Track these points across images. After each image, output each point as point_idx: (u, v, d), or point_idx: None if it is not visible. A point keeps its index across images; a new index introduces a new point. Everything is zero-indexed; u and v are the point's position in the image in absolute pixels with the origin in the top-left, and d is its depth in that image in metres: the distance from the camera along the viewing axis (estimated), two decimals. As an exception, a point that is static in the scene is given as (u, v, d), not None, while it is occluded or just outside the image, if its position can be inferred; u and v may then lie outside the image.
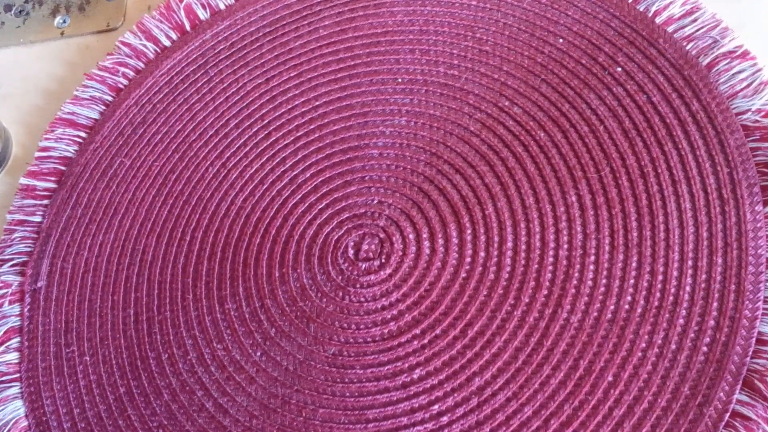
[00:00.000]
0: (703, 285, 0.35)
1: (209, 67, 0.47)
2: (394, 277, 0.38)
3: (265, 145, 0.43)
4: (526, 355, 0.35)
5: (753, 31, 0.41)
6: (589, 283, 0.36)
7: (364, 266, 0.39)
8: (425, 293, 0.38)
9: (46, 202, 0.45)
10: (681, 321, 0.34)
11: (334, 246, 0.40)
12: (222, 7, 0.49)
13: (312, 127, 0.43)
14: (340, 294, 0.38)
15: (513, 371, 0.35)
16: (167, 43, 0.49)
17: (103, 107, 0.47)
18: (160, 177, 0.44)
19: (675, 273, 0.35)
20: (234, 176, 0.43)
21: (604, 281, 0.36)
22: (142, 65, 0.48)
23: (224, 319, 0.39)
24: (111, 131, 0.46)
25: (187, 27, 0.49)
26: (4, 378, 0.40)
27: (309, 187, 0.42)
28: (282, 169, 0.43)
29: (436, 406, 0.35)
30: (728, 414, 0.32)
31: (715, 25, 0.40)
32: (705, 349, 0.33)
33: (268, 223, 0.41)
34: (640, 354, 0.34)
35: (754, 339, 0.33)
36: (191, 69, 0.47)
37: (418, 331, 0.37)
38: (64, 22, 0.53)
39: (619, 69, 0.41)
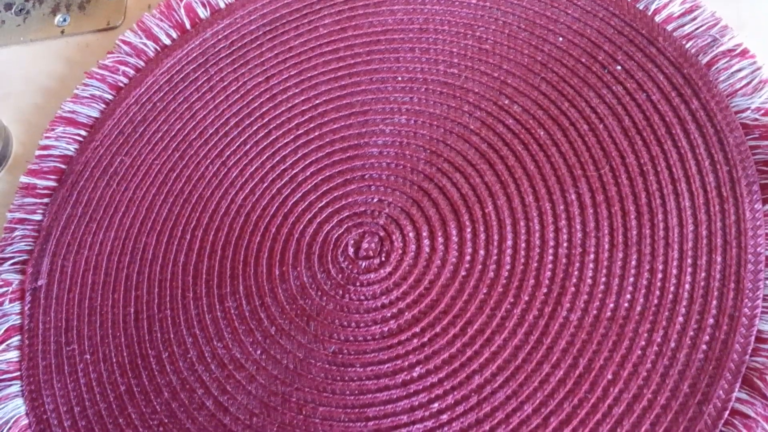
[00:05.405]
0: (702, 283, 0.35)
1: (209, 65, 0.47)
2: (394, 276, 0.38)
3: (265, 143, 0.44)
4: (526, 353, 0.35)
5: (752, 29, 0.41)
6: (589, 281, 0.36)
7: (364, 264, 0.39)
8: (425, 291, 0.38)
9: (46, 200, 0.45)
10: (680, 319, 0.34)
11: (334, 244, 0.40)
12: (222, 5, 0.49)
13: (312, 125, 0.44)
14: (340, 292, 0.38)
15: (513, 369, 0.35)
16: (167, 41, 0.49)
17: (104, 106, 0.47)
18: (161, 175, 0.44)
19: (674, 271, 0.35)
20: (234, 174, 0.43)
21: (603, 279, 0.36)
22: (142, 64, 0.48)
23: (224, 317, 0.39)
24: (111, 130, 0.46)
25: (188, 25, 0.49)
26: (4, 376, 0.40)
27: (309, 186, 0.42)
28: (282, 168, 0.43)
29: (435, 404, 0.35)
30: (727, 412, 0.32)
31: (714, 23, 0.40)
32: (704, 347, 0.33)
33: (268, 222, 0.41)
34: (639, 352, 0.34)
35: (753, 337, 0.33)
36: (191, 68, 0.47)
37: (417, 330, 0.37)
38: (65, 20, 0.53)
39: (619, 67, 0.41)
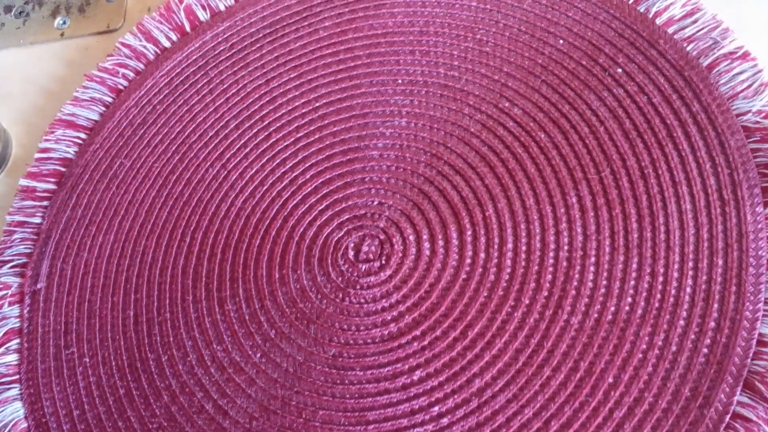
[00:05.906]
0: (703, 286, 0.35)
1: (209, 68, 0.47)
2: (394, 279, 0.38)
3: (265, 146, 0.43)
4: (527, 356, 0.35)
5: (753, 32, 0.41)
6: (590, 284, 0.36)
7: (364, 267, 0.39)
8: (425, 295, 0.37)
9: (45, 203, 0.45)
10: (681, 322, 0.34)
11: (334, 247, 0.40)
12: (222, 8, 0.49)
13: (312, 128, 0.43)
14: (340, 295, 0.38)
15: (513, 373, 0.35)
16: (167, 44, 0.49)
17: (103, 108, 0.47)
18: (160, 178, 0.44)
19: (675, 274, 0.35)
20: (234, 177, 0.43)
21: (604, 283, 0.36)
22: (142, 66, 0.48)
23: (224, 320, 0.39)
24: (111, 132, 0.46)
25: (187, 28, 0.49)
26: (3, 380, 0.39)
27: (309, 189, 0.42)
28: (282, 170, 0.42)
29: (436, 408, 0.35)
30: (729, 416, 0.32)
31: (715, 26, 0.40)
32: (705, 350, 0.33)
33: (268, 225, 0.41)
34: (640, 355, 0.34)
35: (754, 340, 0.33)
36: (191, 70, 0.47)
37: (418, 333, 0.37)
38: (64, 23, 0.53)
39: (620, 70, 0.41)
